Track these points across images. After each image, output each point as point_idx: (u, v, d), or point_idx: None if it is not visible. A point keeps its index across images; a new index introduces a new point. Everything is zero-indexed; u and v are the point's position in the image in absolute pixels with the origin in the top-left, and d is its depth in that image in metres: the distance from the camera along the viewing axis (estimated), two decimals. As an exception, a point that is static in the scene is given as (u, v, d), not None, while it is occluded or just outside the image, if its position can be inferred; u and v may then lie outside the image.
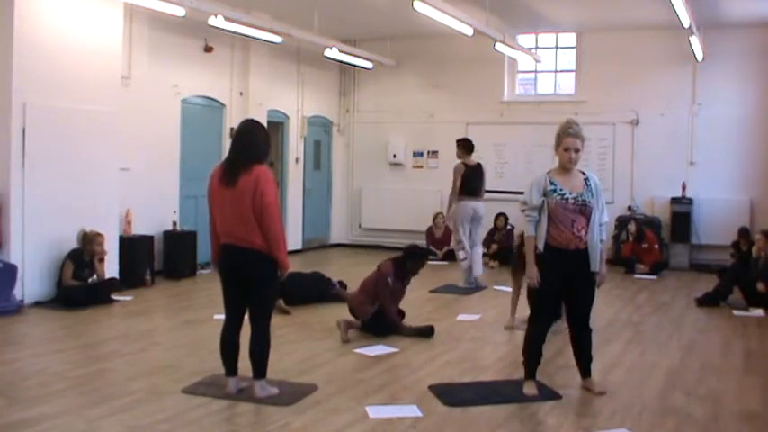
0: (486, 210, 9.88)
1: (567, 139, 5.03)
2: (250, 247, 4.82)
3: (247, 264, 4.88)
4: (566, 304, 5.33)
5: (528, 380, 5.22)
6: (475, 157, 9.74)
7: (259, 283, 4.92)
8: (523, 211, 5.13)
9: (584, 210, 5.02)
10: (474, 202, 9.50)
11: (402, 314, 7.15)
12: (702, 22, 10.56)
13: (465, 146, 9.64)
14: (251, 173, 4.79)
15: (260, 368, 4.97)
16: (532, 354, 5.21)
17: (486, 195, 10.14)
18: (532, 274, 5.07)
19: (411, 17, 9.26)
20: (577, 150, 5.04)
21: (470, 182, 9.50)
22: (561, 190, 5.02)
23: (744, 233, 10.87)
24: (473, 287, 9.46)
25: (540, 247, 5.05)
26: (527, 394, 5.12)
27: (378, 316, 6.88)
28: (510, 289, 9.28)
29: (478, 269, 9.60)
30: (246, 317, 5.06)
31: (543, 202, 5.03)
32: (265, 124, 11.93)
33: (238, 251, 4.87)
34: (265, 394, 4.92)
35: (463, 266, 9.59)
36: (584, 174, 5.16)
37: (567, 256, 5.01)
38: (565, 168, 5.10)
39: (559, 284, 5.08)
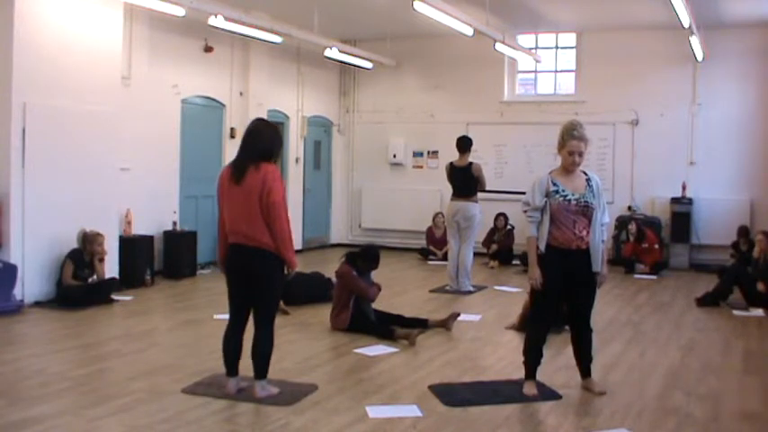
0: (484, 210, 9.81)
1: (572, 142, 5.02)
2: (257, 246, 4.83)
3: (254, 262, 4.88)
4: (567, 304, 5.33)
5: (528, 380, 5.22)
6: (473, 157, 9.69)
7: (264, 282, 4.93)
8: (525, 211, 5.13)
9: (586, 211, 5.03)
10: (456, 202, 9.36)
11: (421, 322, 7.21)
12: (702, 22, 10.55)
13: (457, 145, 9.50)
14: (259, 171, 4.81)
15: (262, 369, 4.97)
16: (533, 354, 5.22)
17: (486, 195, 10.11)
18: (534, 275, 5.07)
19: (411, 17, 9.26)
20: (581, 154, 5.04)
21: (452, 182, 9.46)
22: (564, 191, 5.02)
23: (743, 232, 10.85)
24: (456, 290, 9.26)
25: (542, 247, 5.05)
26: (527, 394, 5.12)
27: (357, 318, 6.92)
28: (511, 289, 9.28)
29: (462, 273, 9.31)
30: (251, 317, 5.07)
31: (545, 202, 5.03)
32: (265, 124, 11.96)
33: (246, 250, 4.87)
34: (266, 394, 4.92)
35: (448, 268, 9.55)
36: (585, 174, 5.16)
37: (567, 256, 5.02)
38: (567, 170, 5.09)
39: (560, 284, 5.08)
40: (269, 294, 4.98)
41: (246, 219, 4.83)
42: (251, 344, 4.98)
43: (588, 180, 5.12)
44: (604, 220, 5.14)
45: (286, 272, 4.96)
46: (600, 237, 5.08)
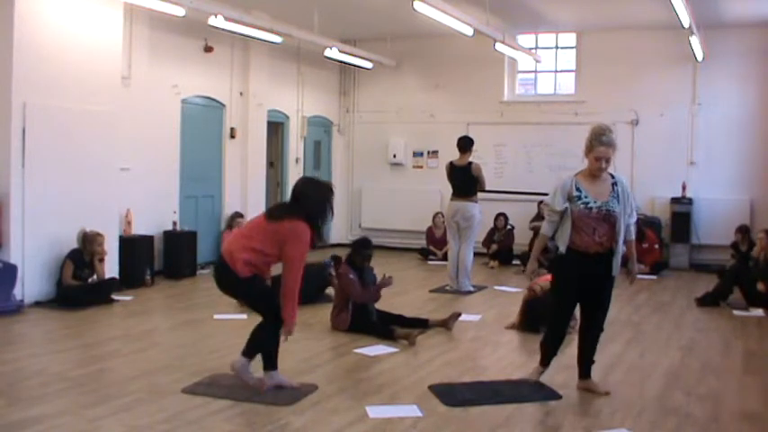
0: (484, 211, 9.80)
1: (600, 149, 4.99)
2: (229, 266, 4.94)
3: (222, 277, 5.07)
4: (582, 305, 5.31)
5: (539, 366, 5.33)
6: (473, 157, 9.68)
7: (238, 291, 5.20)
8: (545, 210, 5.16)
9: (608, 218, 5.03)
10: (455, 202, 9.38)
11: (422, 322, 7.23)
12: (702, 22, 10.55)
13: (458, 144, 9.52)
14: (291, 222, 4.92)
15: (264, 360, 5.12)
16: (550, 347, 5.32)
17: (486, 195, 10.11)
18: (531, 268, 5.23)
19: (411, 17, 9.25)
20: (608, 160, 5.03)
21: (452, 182, 9.47)
22: (586, 197, 5.01)
23: (742, 230, 10.74)
24: (456, 290, 9.27)
25: (562, 248, 5.07)
26: (529, 378, 5.28)
27: (357, 318, 6.92)
28: (511, 289, 9.26)
29: (462, 273, 9.31)
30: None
31: (566, 207, 5.03)
32: (265, 124, 11.98)
33: (220, 264, 5.06)
34: (274, 382, 5.06)
35: (448, 268, 9.56)
36: (612, 177, 5.14)
37: (586, 259, 5.04)
38: (594, 174, 5.08)
39: (577, 285, 5.11)
40: (249, 299, 5.30)
41: (243, 239, 5.01)
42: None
43: (614, 184, 5.11)
44: (630, 221, 5.16)
45: (282, 336, 5.05)
46: (622, 242, 5.10)
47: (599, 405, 5.01)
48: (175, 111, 10.35)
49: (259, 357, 5.13)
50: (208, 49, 10.74)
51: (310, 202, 5.01)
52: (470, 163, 9.35)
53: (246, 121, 11.58)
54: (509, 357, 6.23)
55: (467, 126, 12.90)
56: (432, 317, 7.38)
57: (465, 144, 9.48)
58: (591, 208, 4.99)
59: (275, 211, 5.11)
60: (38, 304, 7.86)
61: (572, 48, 12.97)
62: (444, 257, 11.90)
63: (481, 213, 9.49)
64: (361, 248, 7.18)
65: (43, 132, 7.91)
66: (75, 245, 8.20)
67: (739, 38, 11.71)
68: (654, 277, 10.86)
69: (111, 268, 8.65)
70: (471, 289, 9.36)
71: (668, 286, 10.21)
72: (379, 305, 7.18)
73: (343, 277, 7.02)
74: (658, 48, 12.10)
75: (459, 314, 7.34)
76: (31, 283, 7.87)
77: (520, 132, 12.94)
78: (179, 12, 8.56)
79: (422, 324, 7.09)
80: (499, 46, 10.66)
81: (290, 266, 4.92)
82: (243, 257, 4.90)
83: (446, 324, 7.16)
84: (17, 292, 7.65)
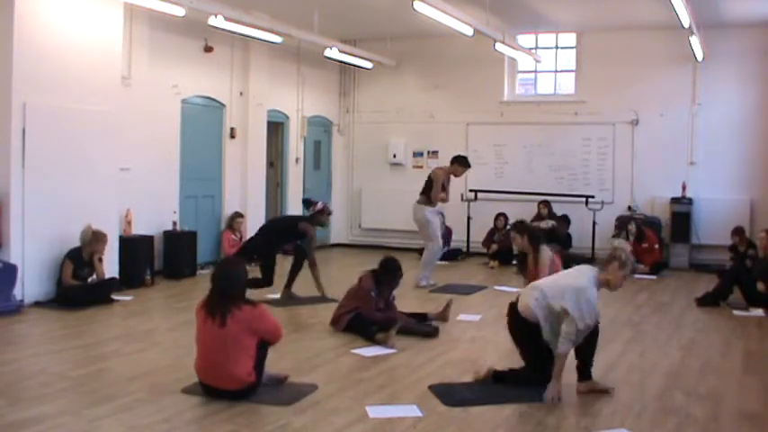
0: (484, 211, 9.87)
1: (631, 273, 5.30)
2: (240, 389, 4.87)
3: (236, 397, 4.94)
4: None
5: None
6: (464, 175, 10.21)
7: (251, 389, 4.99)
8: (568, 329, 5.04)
9: None
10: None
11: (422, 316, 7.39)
12: (702, 22, 10.55)
13: None
14: (241, 310, 4.89)
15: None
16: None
17: (486, 195, 10.16)
18: (554, 391, 5.01)
19: (411, 17, 9.25)
20: None
21: None
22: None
23: (739, 232, 10.65)
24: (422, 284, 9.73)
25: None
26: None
27: (355, 322, 6.87)
28: (511, 289, 9.27)
29: (420, 267, 9.85)
30: None
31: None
32: (265, 124, 11.98)
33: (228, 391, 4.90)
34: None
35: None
36: None
37: None
38: (608, 287, 5.25)
39: None
40: None
41: (229, 359, 4.85)
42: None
43: None
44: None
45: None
46: None
47: (599, 405, 5.01)
48: (175, 111, 10.35)
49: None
50: (208, 49, 10.74)
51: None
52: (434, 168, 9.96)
53: (246, 121, 11.58)
54: (509, 357, 6.22)
55: (467, 126, 12.93)
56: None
57: (453, 158, 9.95)
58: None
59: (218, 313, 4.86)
60: (38, 304, 7.86)
61: (572, 48, 12.97)
62: (443, 258, 11.93)
63: (429, 218, 9.78)
64: (389, 271, 7.02)
65: (43, 132, 7.91)
66: (75, 244, 8.18)
67: (739, 38, 11.71)
68: (654, 277, 10.86)
69: (111, 268, 8.65)
70: (423, 284, 9.68)
71: (668, 286, 10.21)
72: None
73: (363, 290, 6.98)
74: (658, 48, 12.10)
75: (450, 301, 7.65)
76: (31, 283, 7.86)
77: (520, 132, 12.94)
78: (179, 12, 8.55)
79: (421, 318, 7.25)
80: (499, 46, 10.65)
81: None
82: (247, 371, 4.85)
83: (443, 316, 7.34)
84: (17, 292, 7.65)
